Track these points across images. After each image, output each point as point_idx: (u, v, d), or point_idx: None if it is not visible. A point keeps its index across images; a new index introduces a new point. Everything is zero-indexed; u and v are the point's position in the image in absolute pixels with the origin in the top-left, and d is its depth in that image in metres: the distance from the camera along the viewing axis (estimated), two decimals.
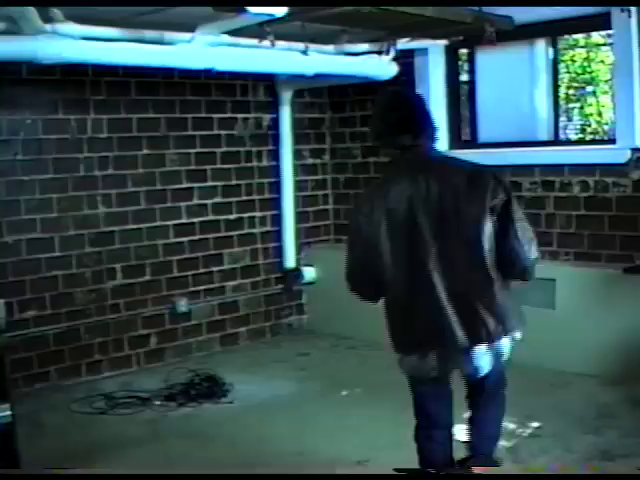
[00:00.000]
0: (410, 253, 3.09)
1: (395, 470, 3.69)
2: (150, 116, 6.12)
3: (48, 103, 5.60)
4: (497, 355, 3.22)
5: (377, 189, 3.31)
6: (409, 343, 3.24)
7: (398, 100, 3.34)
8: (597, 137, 6.85)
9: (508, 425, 4.42)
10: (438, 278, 3.07)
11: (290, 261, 6.96)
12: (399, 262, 3.12)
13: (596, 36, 6.58)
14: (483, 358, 3.19)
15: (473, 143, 6.37)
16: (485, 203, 3.05)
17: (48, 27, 4.44)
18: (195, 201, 6.41)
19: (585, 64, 6.98)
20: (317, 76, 5.76)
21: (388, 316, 3.29)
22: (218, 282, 6.59)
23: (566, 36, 6.33)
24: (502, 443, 4.25)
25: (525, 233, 3.13)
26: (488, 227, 3.06)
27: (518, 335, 3.26)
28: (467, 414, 3.64)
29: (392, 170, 3.33)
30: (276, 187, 6.87)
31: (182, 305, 6.31)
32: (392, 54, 6.00)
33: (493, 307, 3.10)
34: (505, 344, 3.22)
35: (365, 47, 5.99)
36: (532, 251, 3.16)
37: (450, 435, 3.45)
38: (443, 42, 6.19)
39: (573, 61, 6.95)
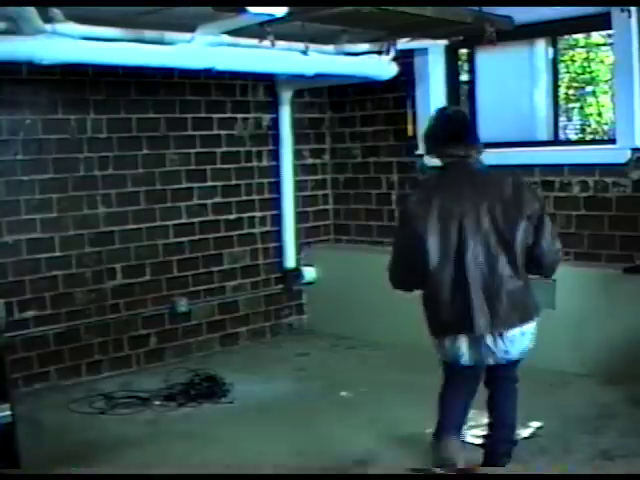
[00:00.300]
0: (452, 247, 3.53)
1: (412, 470, 3.84)
2: (150, 116, 6.12)
3: (48, 103, 5.61)
4: (524, 341, 3.62)
5: (428, 190, 3.76)
6: (442, 327, 3.62)
7: (450, 117, 3.83)
8: (597, 137, 6.85)
9: None
10: (474, 270, 3.50)
11: (290, 261, 6.96)
12: (442, 254, 3.54)
13: (596, 36, 6.58)
14: (513, 343, 3.58)
15: None
16: (523, 211, 3.54)
17: (48, 27, 4.44)
18: (195, 201, 6.41)
19: (585, 64, 6.97)
20: (317, 76, 5.76)
21: (426, 302, 3.68)
22: (218, 282, 6.59)
23: (566, 36, 6.33)
24: None
25: (554, 238, 3.65)
26: (522, 231, 3.53)
27: (534, 325, 3.68)
28: (485, 419, 3.90)
29: (443, 175, 3.75)
30: (276, 187, 6.87)
31: (182, 305, 6.31)
32: (392, 54, 6.00)
33: (520, 297, 3.57)
34: (529, 331, 3.64)
35: (365, 47, 5.99)
36: (559, 253, 3.70)
37: (468, 408, 3.86)
38: (443, 42, 6.19)
39: (573, 61, 6.94)
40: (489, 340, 3.53)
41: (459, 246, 3.51)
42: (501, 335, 3.54)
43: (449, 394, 3.83)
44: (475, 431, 4.26)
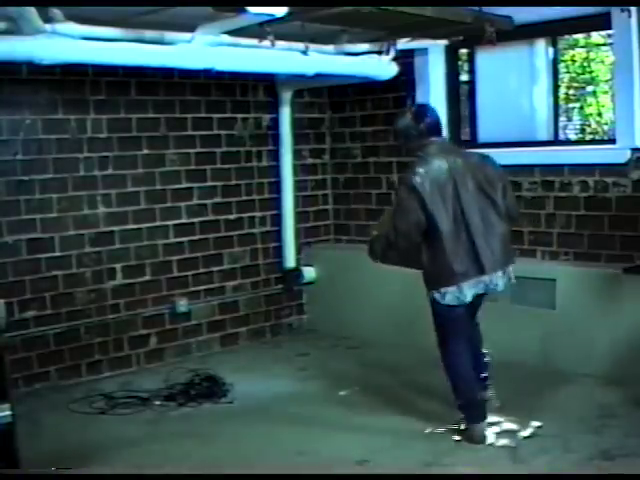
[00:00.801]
0: (454, 209, 4.25)
1: None
2: (150, 116, 6.12)
3: (48, 103, 5.60)
4: (509, 278, 4.46)
5: (422, 166, 4.32)
6: (453, 276, 4.27)
7: (424, 111, 4.54)
8: (597, 137, 6.86)
9: (508, 425, 4.43)
10: (475, 224, 4.27)
11: (290, 261, 6.96)
12: (447, 216, 4.23)
13: (596, 36, 6.59)
14: (503, 278, 4.41)
15: (473, 143, 6.36)
16: (498, 175, 4.46)
17: (48, 27, 4.44)
18: (195, 201, 6.41)
19: (585, 64, 6.99)
20: (317, 76, 5.76)
21: (434, 259, 4.32)
22: (218, 282, 6.59)
23: (566, 36, 6.33)
24: (503, 442, 4.29)
25: (514, 197, 4.62)
26: (501, 190, 4.40)
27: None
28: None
29: (429, 155, 4.35)
30: (276, 187, 6.87)
31: (182, 305, 6.31)
32: (392, 54, 6.00)
33: (508, 242, 4.46)
34: (512, 271, 4.47)
35: (365, 47, 5.99)
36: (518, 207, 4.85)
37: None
38: (443, 42, 6.19)
39: (573, 61, 6.96)
40: (489, 278, 4.31)
41: (460, 207, 4.25)
42: (500, 272, 4.36)
43: (459, 351, 4.44)
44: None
